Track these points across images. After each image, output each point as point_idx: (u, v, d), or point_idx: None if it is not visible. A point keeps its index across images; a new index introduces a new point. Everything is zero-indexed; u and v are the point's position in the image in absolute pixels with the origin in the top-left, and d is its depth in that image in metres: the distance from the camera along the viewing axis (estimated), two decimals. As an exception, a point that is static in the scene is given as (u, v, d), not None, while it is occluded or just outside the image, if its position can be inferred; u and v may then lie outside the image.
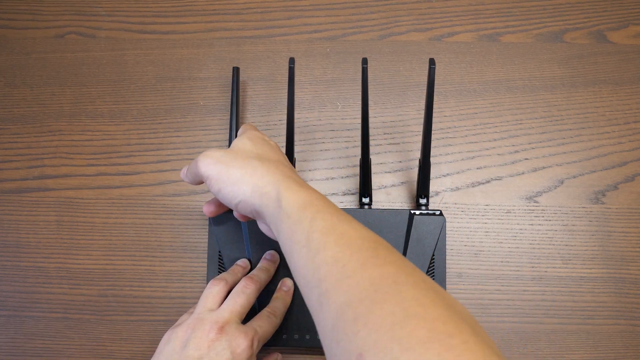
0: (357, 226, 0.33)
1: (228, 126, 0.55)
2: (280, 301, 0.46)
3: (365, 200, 0.51)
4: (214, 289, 0.43)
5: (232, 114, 0.51)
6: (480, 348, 0.24)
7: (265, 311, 0.45)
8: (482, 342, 0.24)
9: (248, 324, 0.42)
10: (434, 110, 0.56)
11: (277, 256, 0.48)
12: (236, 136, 0.44)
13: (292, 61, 0.41)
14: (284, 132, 0.53)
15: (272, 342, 0.46)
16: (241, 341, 0.39)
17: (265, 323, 0.43)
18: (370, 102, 0.56)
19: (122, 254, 0.53)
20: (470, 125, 0.55)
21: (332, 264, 0.30)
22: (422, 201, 0.50)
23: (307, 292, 0.31)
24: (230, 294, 0.43)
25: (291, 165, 0.42)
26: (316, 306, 0.30)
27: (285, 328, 0.48)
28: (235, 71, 0.44)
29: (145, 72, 0.57)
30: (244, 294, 0.42)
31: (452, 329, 0.24)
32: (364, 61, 0.40)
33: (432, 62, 0.40)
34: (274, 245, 0.49)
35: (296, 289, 0.48)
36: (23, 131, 0.56)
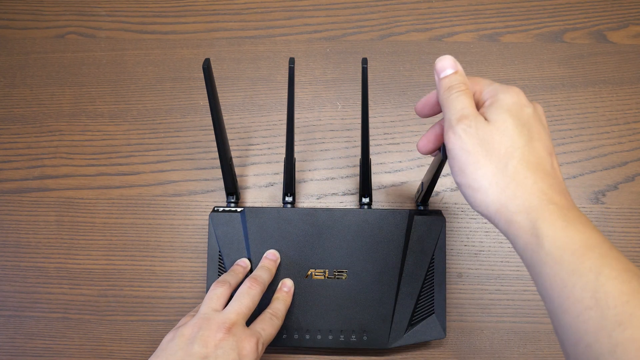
0: None
1: (228, 127, 0.55)
2: (281, 302, 0.46)
3: (365, 200, 0.51)
4: (218, 290, 0.43)
5: (213, 111, 0.43)
6: None
7: (267, 313, 0.44)
8: None
9: (252, 326, 0.42)
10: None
11: (277, 255, 0.48)
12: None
13: (292, 61, 0.41)
14: (284, 132, 0.53)
15: (273, 342, 0.46)
16: (248, 343, 0.39)
17: (268, 326, 0.43)
18: (370, 102, 0.56)
19: (122, 254, 0.53)
20: (470, 125, 0.55)
21: None
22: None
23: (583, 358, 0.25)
24: (235, 295, 0.43)
25: (558, 167, 0.33)
26: None
27: (286, 328, 0.48)
28: (207, 63, 0.39)
29: (145, 72, 0.57)
30: (248, 295, 0.42)
31: None
32: (364, 61, 0.40)
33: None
34: (274, 244, 0.49)
35: (296, 290, 0.48)
36: (23, 131, 0.56)
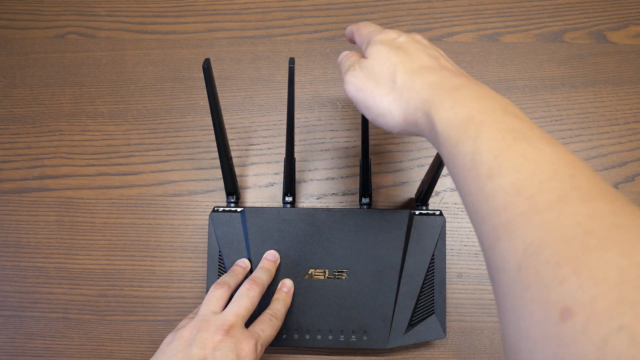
0: (541, 145, 0.26)
1: (228, 127, 0.55)
2: (281, 303, 0.46)
3: (365, 200, 0.51)
4: (217, 292, 0.43)
5: (213, 111, 0.44)
6: None
7: (266, 314, 0.45)
8: None
9: (251, 327, 0.42)
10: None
11: (277, 256, 0.48)
12: (367, 45, 0.38)
13: (292, 61, 0.41)
14: (284, 132, 0.53)
15: (273, 342, 0.46)
16: (246, 345, 0.39)
17: (267, 327, 0.43)
18: (370, 102, 0.56)
19: (122, 254, 0.53)
20: (470, 125, 0.55)
21: (513, 194, 0.24)
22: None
23: (478, 221, 0.27)
24: (234, 297, 0.43)
25: (450, 63, 0.36)
26: (490, 238, 0.25)
27: (286, 328, 0.48)
28: (207, 63, 0.40)
29: (145, 72, 0.57)
30: (248, 297, 0.42)
31: None
32: (291, 61, 0.41)
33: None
34: (274, 244, 0.49)
35: (296, 290, 0.48)
36: (23, 131, 0.56)
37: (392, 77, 0.34)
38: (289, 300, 0.47)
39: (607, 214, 0.22)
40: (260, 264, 0.47)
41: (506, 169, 0.25)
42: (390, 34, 0.37)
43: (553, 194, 0.23)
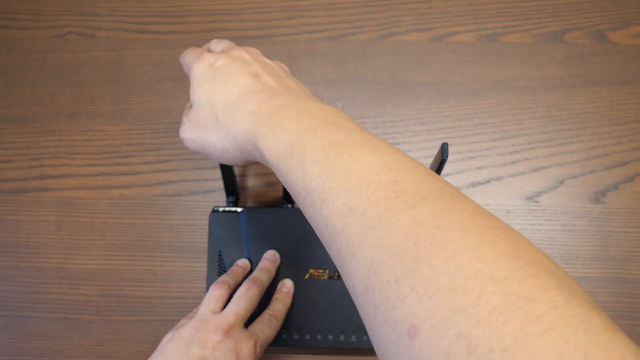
0: (363, 154, 0.25)
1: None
2: (280, 303, 0.46)
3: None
4: (217, 292, 0.43)
5: None
6: (577, 312, 0.17)
7: (266, 314, 0.44)
8: (575, 299, 0.18)
9: (250, 328, 0.42)
10: (433, 110, 0.56)
11: (277, 256, 0.48)
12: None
13: None
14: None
15: (272, 342, 0.46)
16: (246, 345, 0.39)
17: (266, 327, 0.43)
18: (370, 102, 0.56)
19: (122, 254, 0.53)
20: (470, 125, 0.55)
21: (347, 214, 0.24)
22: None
23: (325, 244, 0.26)
24: (233, 297, 0.43)
25: (270, 68, 0.35)
26: (339, 262, 0.25)
27: (285, 328, 0.48)
28: None
29: (145, 72, 0.57)
30: (247, 297, 0.42)
31: (531, 289, 0.18)
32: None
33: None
34: (274, 244, 0.49)
35: (296, 290, 0.48)
36: (23, 131, 0.56)
37: (215, 117, 0.33)
38: (289, 300, 0.47)
39: (429, 218, 0.21)
40: (260, 264, 0.47)
41: (336, 189, 0.25)
42: (208, 59, 0.35)
43: (380, 206, 0.23)
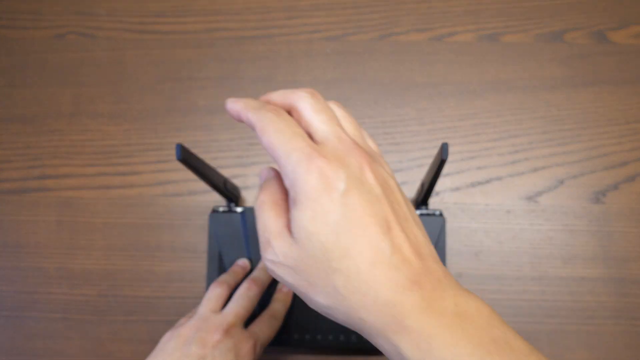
0: None
1: (228, 126, 0.55)
2: (280, 303, 0.46)
3: (365, 200, 0.50)
4: (217, 291, 0.43)
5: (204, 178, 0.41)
6: None
7: (266, 314, 0.44)
8: None
9: (250, 327, 0.42)
10: (433, 110, 0.56)
11: (277, 256, 0.48)
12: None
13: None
14: (284, 132, 0.53)
15: (272, 342, 0.46)
16: (245, 345, 0.39)
17: (266, 327, 0.43)
18: (370, 102, 0.56)
19: (122, 254, 0.53)
20: (470, 125, 0.55)
21: None
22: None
23: None
24: (233, 297, 0.43)
25: (396, 225, 0.24)
26: None
27: (285, 328, 0.48)
28: (179, 150, 0.35)
29: (145, 72, 0.57)
30: (247, 297, 0.42)
31: None
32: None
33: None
34: (274, 245, 0.49)
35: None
36: (23, 131, 0.56)
37: (330, 280, 0.23)
38: (289, 300, 0.47)
39: None
40: (260, 264, 0.47)
41: None
42: (327, 176, 0.23)
43: None
